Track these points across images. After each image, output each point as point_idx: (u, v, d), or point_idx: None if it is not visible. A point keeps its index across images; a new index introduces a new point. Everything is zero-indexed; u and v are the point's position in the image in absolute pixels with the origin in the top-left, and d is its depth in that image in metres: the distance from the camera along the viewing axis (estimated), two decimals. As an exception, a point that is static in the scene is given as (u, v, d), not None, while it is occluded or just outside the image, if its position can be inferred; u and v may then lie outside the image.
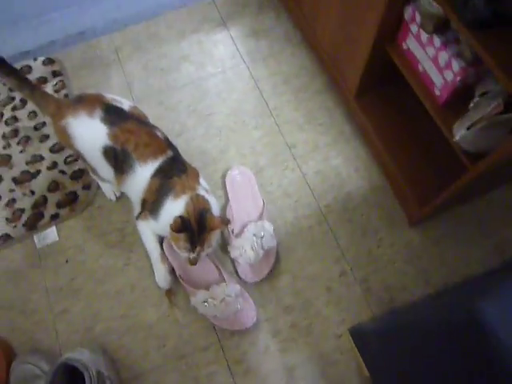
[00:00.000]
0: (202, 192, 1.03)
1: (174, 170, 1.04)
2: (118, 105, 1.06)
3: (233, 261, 1.16)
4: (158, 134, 1.07)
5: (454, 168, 0.95)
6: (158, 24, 1.53)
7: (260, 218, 1.17)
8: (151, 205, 1.05)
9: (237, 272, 1.15)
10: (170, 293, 1.16)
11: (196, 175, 1.08)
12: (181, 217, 0.95)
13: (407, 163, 1.18)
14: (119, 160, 1.04)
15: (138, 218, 1.10)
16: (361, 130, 1.31)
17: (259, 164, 1.29)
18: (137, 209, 1.11)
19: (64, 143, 1.10)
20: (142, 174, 1.03)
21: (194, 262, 1.00)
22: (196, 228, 0.96)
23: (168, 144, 1.08)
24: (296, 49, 1.47)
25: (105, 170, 1.08)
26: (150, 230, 1.11)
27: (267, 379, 1.07)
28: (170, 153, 1.06)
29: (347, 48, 1.19)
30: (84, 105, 1.02)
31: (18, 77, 1.05)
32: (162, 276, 1.13)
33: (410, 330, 0.69)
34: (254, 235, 1.11)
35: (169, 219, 0.97)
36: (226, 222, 1.02)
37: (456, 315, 0.51)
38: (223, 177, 1.27)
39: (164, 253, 1.14)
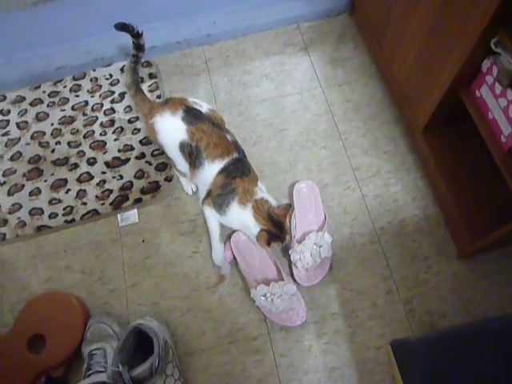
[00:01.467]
0: (260, 194, 1.18)
1: (238, 172, 1.19)
2: (198, 107, 1.24)
3: (290, 264, 1.28)
4: (228, 137, 1.23)
5: (508, 210, 1.04)
6: (247, 42, 1.70)
7: (320, 229, 1.28)
8: (215, 197, 1.20)
9: (292, 274, 1.27)
10: (222, 278, 1.29)
11: (255, 179, 1.23)
12: (263, 230, 1.10)
13: (463, 198, 1.26)
14: (193, 155, 1.20)
15: (203, 202, 1.26)
16: (422, 163, 1.40)
17: (324, 181, 1.41)
18: (202, 195, 1.27)
19: (151, 138, 1.32)
20: (210, 170, 1.19)
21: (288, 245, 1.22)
22: (277, 230, 1.11)
23: (236, 147, 1.23)
24: (370, 80, 1.58)
25: (181, 163, 1.25)
26: (212, 215, 1.26)
27: (307, 375, 1.18)
28: (236, 155, 1.21)
29: (421, 87, 1.30)
30: (169, 106, 1.23)
31: (136, 75, 1.31)
32: (217, 253, 1.29)
33: (460, 343, 0.77)
34: (315, 244, 1.24)
35: (236, 221, 1.18)
36: (287, 207, 1.15)
37: (509, 328, 0.59)
38: (290, 187, 1.40)
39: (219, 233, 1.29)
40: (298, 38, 1.70)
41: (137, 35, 1.33)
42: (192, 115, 1.21)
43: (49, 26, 1.62)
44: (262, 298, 1.19)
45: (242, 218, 1.15)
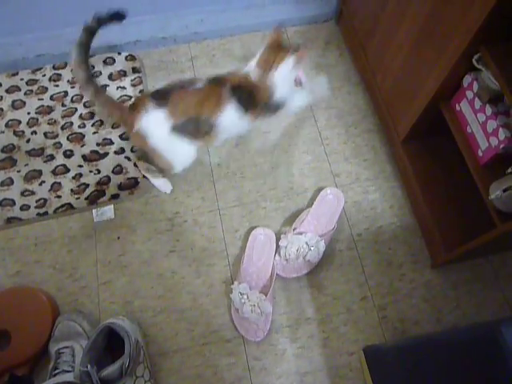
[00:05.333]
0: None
1: (244, 92, 1.16)
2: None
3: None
4: (200, 85, 1.14)
5: (483, 221, 1.06)
6: (234, 42, 1.69)
7: (321, 235, 1.28)
8: (264, 112, 1.22)
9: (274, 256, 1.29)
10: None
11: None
12: None
13: (439, 209, 1.28)
14: (193, 129, 1.15)
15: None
16: (401, 172, 1.42)
17: (304, 185, 1.42)
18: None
19: (142, 146, 1.19)
20: (226, 118, 1.15)
21: None
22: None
23: (223, 80, 1.16)
24: (353, 88, 1.60)
25: (183, 152, 1.23)
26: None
27: (280, 379, 1.17)
28: (228, 85, 1.14)
29: (403, 98, 1.32)
30: (138, 106, 1.12)
31: (89, 67, 1.15)
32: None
33: (432, 351, 0.79)
34: (306, 243, 1.24)
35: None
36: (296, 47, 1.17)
37: (480, 338, 0.61)
38: (268, 189, 1.40)
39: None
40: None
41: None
42: (158, 98, 1.11)
43: (31, 12, 1.57)
44: (238, 295, 1.18)
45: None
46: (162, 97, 1.12)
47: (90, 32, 1.13)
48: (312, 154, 1.47)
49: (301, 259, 1.25)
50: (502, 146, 1.02)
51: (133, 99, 1.24)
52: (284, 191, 1.41)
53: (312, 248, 1.24)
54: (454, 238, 1.23)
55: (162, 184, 1.39)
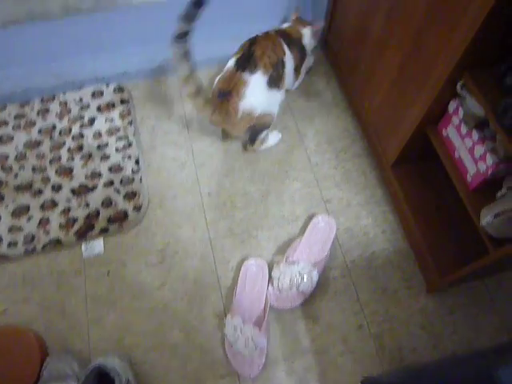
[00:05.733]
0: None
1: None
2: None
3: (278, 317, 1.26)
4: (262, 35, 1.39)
5: (476, 246, 1.05)
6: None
7: (314, 264, 1.27)
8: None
9: (267, 287, 1.26)
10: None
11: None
12: None
13: (432, 234, 1.28)
14: (277, 75, 1.35)
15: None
16: (392, 196, 1.42)
17: (295, 213, 1.41)
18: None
19: (250, 122, 1.35)
20: (288, 61, 1.41)
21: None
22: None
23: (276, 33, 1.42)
24: (341, 113, 1.61)
25: (278, 97, 1.42)
26: None
27: (277, 415, 1.14)
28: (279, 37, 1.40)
29: (390, 124, 1.33)
30: (233, 91, 1.29)
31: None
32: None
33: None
34: (299, 273, 1.23)
35: None
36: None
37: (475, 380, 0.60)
38: (260, 218, 1.39)
39: None
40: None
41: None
42: (246, 64, 1.29)
43: (18, 47, 1.58)
44: (232, 329, 1.16)
45: None
46: (247, 63, 1.29)
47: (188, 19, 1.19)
48: (302, 180, 1.47)
49: (294, 289, 1.23)
50: (490, 172, 1.02)
51: (210, 94, 1.36)
52: (275, 219, 1.40)
53: (305, 278, 1.22)
54: (447, 263, 1.22)
55: (274, 137, 1.53)
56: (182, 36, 1.19)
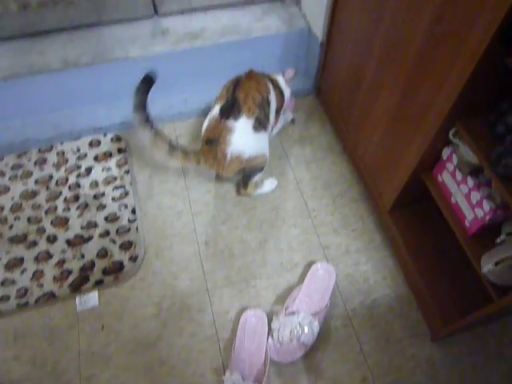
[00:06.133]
0: None
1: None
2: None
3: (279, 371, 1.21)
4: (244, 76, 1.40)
5: (480, 292, 1.03)
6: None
7: (315, 314, 1.24)
8: None
9: (267, 339, 1.22)
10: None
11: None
12: None
13: (434, 279, 1.26)
14: (264, 115, 1.36)
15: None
16: (391, 241, 1.41)
17: (294, 260, 1.39)
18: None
19: (239, 166, 1.35)
20: (272, 97, 1.41)
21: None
22: None
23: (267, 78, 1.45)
24: (337, 158, 1.63)
25: (266, 138, 1.41)
26: None
27: None
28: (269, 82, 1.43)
29: (385, 169, 1.34)
30: (219, 139, 1.30)
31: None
32: None
33: None
34: (299, 324, 1.19)
35: None
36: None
37: None
38: (258, 266, 1.37)
39: None
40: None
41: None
42: (230, 110, 1.30)
43: (17, 99, 1.61)
44: (232, 386, 1.11)
45: None
46: (231, 110, 1.29)
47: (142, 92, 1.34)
48: (300, 227, 1.46)
49: (295, 341, 1.19)
50: (488, 218, 1.02)
51: (201, 142, 1.38)
52: (274, 268, 1.38)
53: (306, 329, 1.19)
54: (451, 311, 1.19)
55: (270, 184, 1.53)
56: (140, 106, 1.30)
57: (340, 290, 1.34)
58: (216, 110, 1.33)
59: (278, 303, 1.30)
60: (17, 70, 1.52)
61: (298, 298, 1.27)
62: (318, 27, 1.58)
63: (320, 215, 1.49)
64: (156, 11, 1.68)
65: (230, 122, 1.28)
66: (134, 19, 1.68)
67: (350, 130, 1.54)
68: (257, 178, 1.45)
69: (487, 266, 0.98)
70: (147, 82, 1.32)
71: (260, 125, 1.34)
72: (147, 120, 1.31)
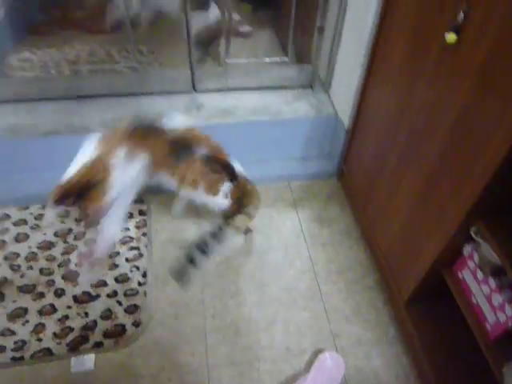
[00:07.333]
0: None
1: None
2: None
3: None
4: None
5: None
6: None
7: None
8: None
9: None
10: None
11: None
12: None
13: (452, 382, 1.16)
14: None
15: None
16: (405, 337, 1.34)
17: (302, 346, 1.32)
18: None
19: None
20: None
21: None
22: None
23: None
24: (354, 243, 1.61)
25: None
26: None
27: None
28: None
29: (404, 259, 1.31)
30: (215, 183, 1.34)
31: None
32: None
33: None
34: None
35: None
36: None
37: None
38: (263, 348, 1.30)
39: None
40: (288, 195, 1.78)
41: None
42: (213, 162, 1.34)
43: (52, 153, 1.69)
44: None
45: None
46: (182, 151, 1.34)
47: None
48: (311, 310, 1.41)
49: None
50: (510, 323, 0.96)
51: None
52: (280, 351, 1.31)
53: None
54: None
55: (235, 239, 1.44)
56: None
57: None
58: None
59: (281, 391, 1.22)
60: (58, 128, 1.63)
61: (303, 388, 1.19)
62: (345, 115, 1.65)
63: (332, 300, 1.44)
64: (194, 88, 1.80)
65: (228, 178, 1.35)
66: (173, 92, 1.81)
67: (370, 217, 1.54)
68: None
69: (509, 379, 0.91)
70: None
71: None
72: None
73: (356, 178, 1.67)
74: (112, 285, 1.43)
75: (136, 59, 1.79)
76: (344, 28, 1.59)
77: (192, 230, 1.62)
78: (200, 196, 1.36)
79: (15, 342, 1.29)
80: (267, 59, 1.92)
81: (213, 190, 1.34)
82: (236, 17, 2.71)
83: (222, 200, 1.34)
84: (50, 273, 1.46)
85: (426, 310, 1.31)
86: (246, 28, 2.64)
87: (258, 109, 1.74)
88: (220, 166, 1.35)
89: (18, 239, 1.56)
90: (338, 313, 1.41)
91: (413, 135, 1.21)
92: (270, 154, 1.84)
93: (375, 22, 1.34)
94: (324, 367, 1.24)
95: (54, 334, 1.31)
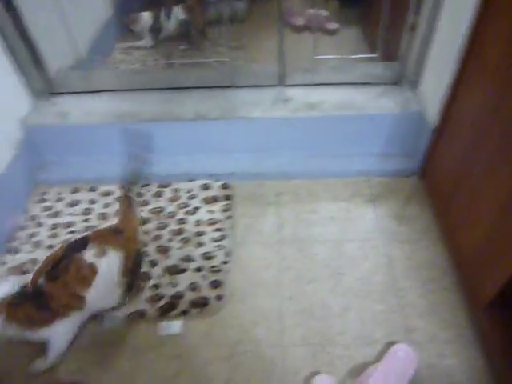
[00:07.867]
0: None
1: None
2: None
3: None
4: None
5: None
6: (318, 185, 1.83)
7: None
8: None
9: None
10: None
11: None
12: None
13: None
14: None
15: None
16: (482, 342, 1.31)
17: (374, 335, 1.36)
18: None
19: None
20: None
21: None
22: None
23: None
24: (431, 243, 1.60)
25: None
26: None
27: None
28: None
29: (488, 262, 1.29)
30: None
31: None
32: None
33: None
34: None
35: None
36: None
37: None
38: (336, 334, 1.36)
39: None
40: (366, 191, 1.80)
41: None
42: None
43: (151, 139, 1.87)
44: None
45: None
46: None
47: None
48: (385, 303, 1.43)
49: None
50: None
51: None
52: (352, 338, 1.35)
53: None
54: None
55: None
56: None
57: (419, 379, 1.27)
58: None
59: (351, 377, 1.27)
60: (159, 115, 1.80)
61: (373, 378, 1.22)
62: (433, 113, 1.64)
63: (407, 296, 1.45)
64: (282, 82, 1.88)
65: None
66: (262, 86, 1.90)
67: (452, 218, 1.52)
68: None
69: None
70: None
71: None
72: None
73: (439, 178, 1.65)
74: (198, 261, 1.57)
75: (228, 55, 1.91)
76: (438, 26, 1.57)
77: (273, 218, 1.71)
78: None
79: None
80: (355, 56, 1.94)
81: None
82: (324, 13, 2.76)
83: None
84: (146, 245, 1.63)
85: (507, 316, 1.28)
86: (333, 25, 2.67)
87: (343, 104, 1.78)
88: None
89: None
90: (413, 309, 1.42)
91: (505, 137, 1.18)
92: (351, 148, 1.87)
93: (472, 20, 1.32)
94: (396, 359, 1.27)
95: (147, 298, 1.47)
